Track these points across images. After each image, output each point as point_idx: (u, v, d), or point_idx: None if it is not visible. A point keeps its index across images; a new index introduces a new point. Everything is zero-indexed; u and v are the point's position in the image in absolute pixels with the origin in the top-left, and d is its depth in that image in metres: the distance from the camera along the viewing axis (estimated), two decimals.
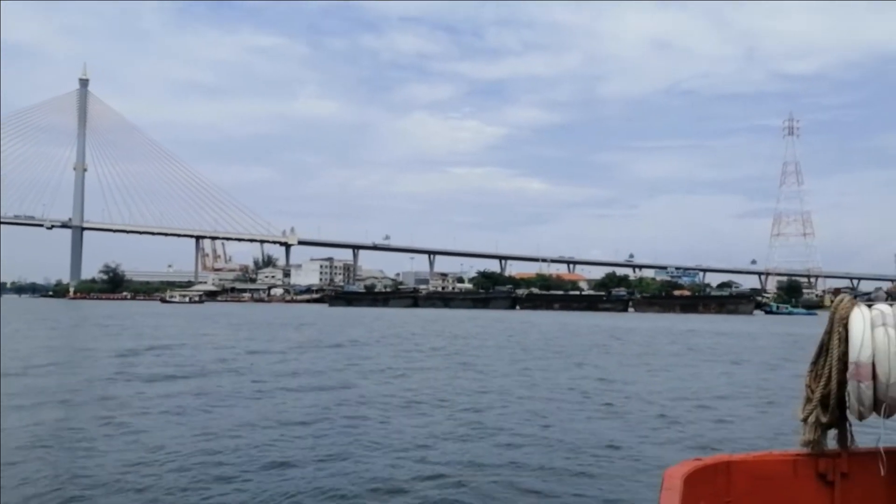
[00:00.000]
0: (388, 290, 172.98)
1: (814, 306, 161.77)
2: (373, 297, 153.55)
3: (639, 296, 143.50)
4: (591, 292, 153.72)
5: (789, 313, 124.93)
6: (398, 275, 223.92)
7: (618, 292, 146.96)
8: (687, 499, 2.91)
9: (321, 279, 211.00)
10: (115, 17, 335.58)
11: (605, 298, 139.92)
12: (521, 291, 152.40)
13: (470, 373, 21.24)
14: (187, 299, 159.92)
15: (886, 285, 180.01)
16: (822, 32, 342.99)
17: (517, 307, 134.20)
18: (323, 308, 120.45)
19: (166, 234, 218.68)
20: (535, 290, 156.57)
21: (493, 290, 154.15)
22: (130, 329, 44.16)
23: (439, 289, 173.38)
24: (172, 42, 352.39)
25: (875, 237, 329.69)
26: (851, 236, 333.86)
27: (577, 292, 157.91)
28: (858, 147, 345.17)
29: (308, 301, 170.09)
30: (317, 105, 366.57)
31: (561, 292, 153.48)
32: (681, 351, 32.72)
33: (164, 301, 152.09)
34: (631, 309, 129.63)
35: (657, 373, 22.35)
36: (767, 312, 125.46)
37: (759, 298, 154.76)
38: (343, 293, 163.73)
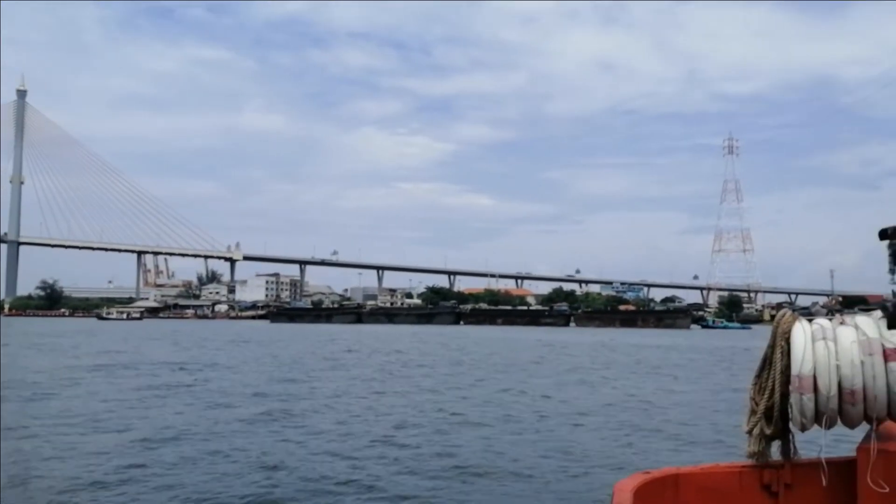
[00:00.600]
0: (336, 305, 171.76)
1: (753, 321, 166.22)
2: (316, 313, 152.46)
3: (580, 311, 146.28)
4: (535, 307, 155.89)
5: (724, 327, 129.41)
6: (346, 290, 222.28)
7: (560, 307, 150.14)
8: None
9: (267, 295, 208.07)
10: (55, 28, 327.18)
11: (547, 313, 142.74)
12: (466, 307, 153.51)
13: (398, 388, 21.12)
14: (125, 316, 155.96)
15: (822, 300, 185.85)
16: (760, 55, 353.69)
17: (461, 322, 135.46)
18: (263, 325, 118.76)
19: (107, 249, 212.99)
20: (482, 306, 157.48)
21: (437, 306, 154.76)
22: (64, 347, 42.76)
23: (388, 304, 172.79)
24: (114, 54, 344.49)
25: (811, 253, 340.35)
26: (788, 252, 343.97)
27: (525, 307, 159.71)
28: (795, 166, 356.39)
29: (253, 317, 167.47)
30: (263, 119, 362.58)
31: (506, 307, 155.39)
32: (611, 364, 33.45)
33: (100, 318, 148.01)
34: (572, 324, 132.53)
35: (589, 386, 22.62)
36: (704, 327, 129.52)
37: (699, 313, 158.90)
38: (285, 309, 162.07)
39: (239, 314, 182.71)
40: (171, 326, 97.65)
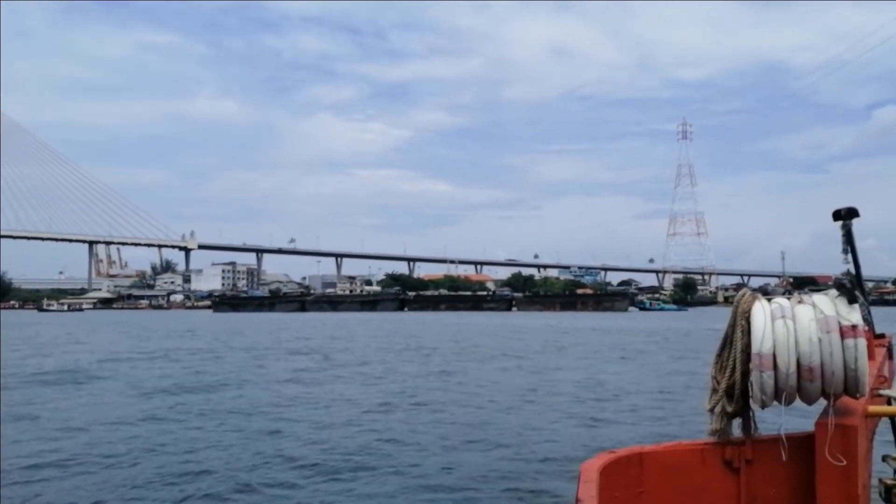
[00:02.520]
0: (293, 293, 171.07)
1: (708, 302, 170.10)
2: (258, 301, 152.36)
3: (521, 295, 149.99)
4: (478, 293, 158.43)
5: (661, 309, 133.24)
6: (304, 278, 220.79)
7: (502, 292, 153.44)
8: (603, 490, 2.97)
9: (224, 284, 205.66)
10: None
11: (489, 298, 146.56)
12: (411, 294, 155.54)
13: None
14: (66, 307, 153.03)
15: (774, 281, 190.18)
16: (711, 42, 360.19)
17: (405, 309, 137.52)
18: (207, 314, 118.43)
19: (57, 240, 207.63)
20: (443, 292, 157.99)
21: (381, 293, 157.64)
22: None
23: (347, 292, 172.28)
24: (60, 39, 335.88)
25: (763, 236, 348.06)
26: (741, 235, 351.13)
27: (484, 292, 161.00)
28: (746, 150, 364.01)
29: (207, 307, 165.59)
30: (215, 105, 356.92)
31: (451, 293, 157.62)
32: (566, 347, 34.06)
33: (41, 310, 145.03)
34: (514, 308, 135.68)
35: (514, 369, 22.89)
36: (641, 309, 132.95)
37: (655, 296, 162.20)
38: (227, 298, 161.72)
39: (195, 304, 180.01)
40: (114, 318, 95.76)
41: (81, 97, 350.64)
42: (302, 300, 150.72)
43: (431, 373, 21.79)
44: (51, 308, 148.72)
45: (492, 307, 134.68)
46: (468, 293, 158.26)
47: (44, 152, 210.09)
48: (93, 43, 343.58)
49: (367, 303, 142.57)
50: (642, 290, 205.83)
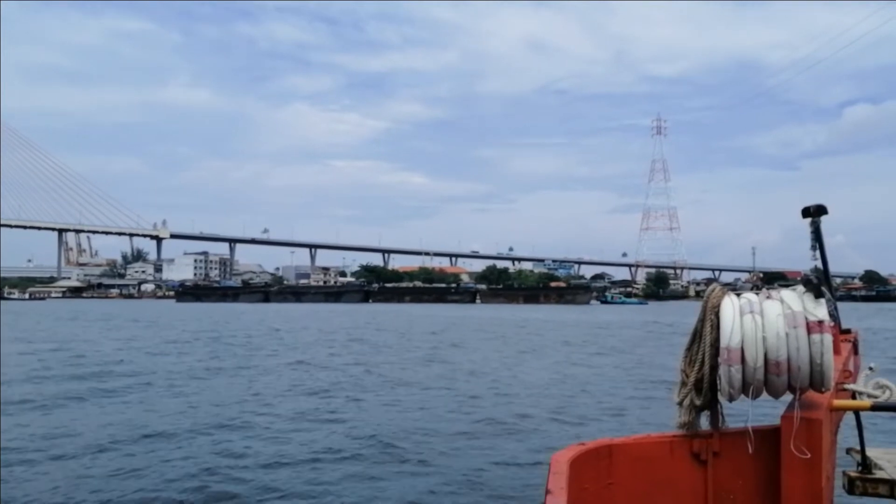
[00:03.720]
0: (257, 284, 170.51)
1: (679, 296, 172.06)
2: (222, 292, 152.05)
3: (485, 287, 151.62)
4: (441, 285, 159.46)
5: (622, 303, 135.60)
6: (278, 269, 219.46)
7: (466, 284, 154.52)
8: (573, 482, 2.99)
9: (196, 274, 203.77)
10: None
11: (453, 290, 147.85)
12: (374, 287, 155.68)
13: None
14: (27, 296, 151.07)
15: (745, 276, 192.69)
16: (686, 38, 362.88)
17: (370, 300, 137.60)
18: (169, 304, 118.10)
19: (25, 227, 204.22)
20: (418, 284, 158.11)
21: (346, 285, 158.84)
22: None
23: (321, 283, 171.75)
24: (30, 25, 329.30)
25: (734, 231, 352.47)
26: (713, 230, 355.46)
27: (457, 285, 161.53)
28: (718, 146, 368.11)
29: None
30: (188, 94, 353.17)
31: (414, 285, 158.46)
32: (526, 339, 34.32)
33: (1, 298, 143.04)
34: (478, 300, 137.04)
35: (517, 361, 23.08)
36: (603, 302, 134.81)
37: (628, 289, 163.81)
38: (190, 288, 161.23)
39: (166, 293, 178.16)
40: (75, 307, 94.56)
41: (52, 84, 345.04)
42: (266, 291, 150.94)
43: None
44: (11, 297, 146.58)
45: (456, 299, 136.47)
46: (432, 285, 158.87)
47: (12, 139, 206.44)
48: (64, 30, 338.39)
49: (332, 294, 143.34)
50: (615, 283, 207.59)
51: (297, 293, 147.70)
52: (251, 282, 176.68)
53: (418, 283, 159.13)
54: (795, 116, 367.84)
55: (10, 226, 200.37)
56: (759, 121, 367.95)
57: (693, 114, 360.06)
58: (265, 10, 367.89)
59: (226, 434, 11.01)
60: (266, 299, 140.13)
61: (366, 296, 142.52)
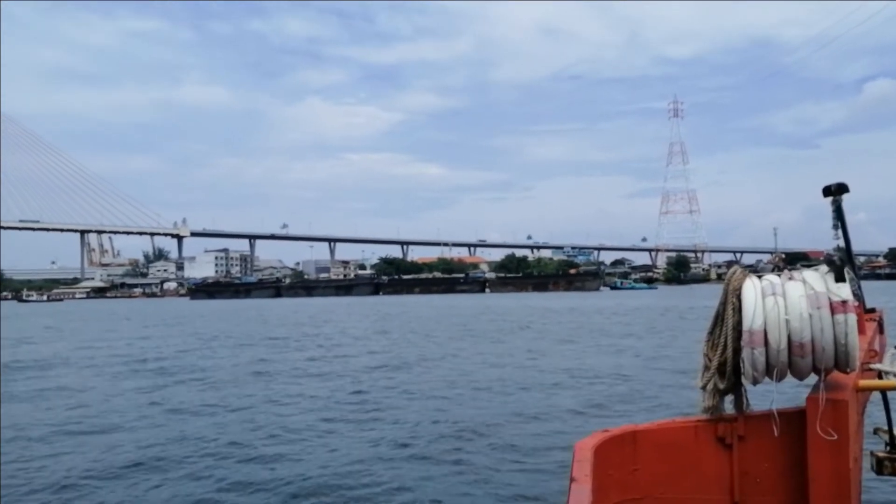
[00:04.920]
0: (278, 280, 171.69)
1: (701, 280, 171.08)
2: (235, 288, 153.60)
3: (494, 277, 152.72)
4: (449, 276, 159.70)
5: (631, 288, 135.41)
6: (298, 264, 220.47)
7: (475, 274, 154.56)
8: (597, 469, 3.00)
9: (217, 271, 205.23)
10: None
11: (462, 280, 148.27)
12: (383, 278, 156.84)
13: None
14: (46, 297, 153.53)
15: (766, 257, 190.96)
16: (699, 18, 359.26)
17: (380, 293, 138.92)
18: (184, 302, 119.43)
19: (48, 230, 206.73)
20: (437, 275, 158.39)
21: (356, 278, 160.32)
22: None
23: (341, 276, 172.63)
24: (45, 27, 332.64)
25: (754, 212, 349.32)
26: (733, 212, 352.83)
27: (466, 275, 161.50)
28: (736, 127, 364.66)
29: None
30: (203, 91, 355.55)
31: (423, 276, 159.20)
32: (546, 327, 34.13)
33: (20, 300, 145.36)
34: (487, 289, 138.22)
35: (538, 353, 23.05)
36: (612, 288, 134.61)
37: (648, 274, 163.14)
38: (203, 286, 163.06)
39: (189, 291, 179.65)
40: (93, 307, 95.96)
41: (68, 86, 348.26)
42: (277, 286, 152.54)
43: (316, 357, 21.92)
44: (30, 299, 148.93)
45: (465, 289, 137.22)
46: (441, 276, 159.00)
47: (32, 142, 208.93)
48: (78, 31, 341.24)
49: (343, 287, 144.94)
50: (635, 268, 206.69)
51: (308, 287, 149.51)
52: (271, 277, 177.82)
53: (437, 274, 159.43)
54: (813, 94, 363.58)
55: (33, 228, 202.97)
56: (776, 99, 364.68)
57: (709, 94, 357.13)
58: (276, 6, 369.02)
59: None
60: (278, 294, 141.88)
61: (376, 288, 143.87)
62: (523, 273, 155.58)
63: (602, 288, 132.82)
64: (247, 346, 27.32)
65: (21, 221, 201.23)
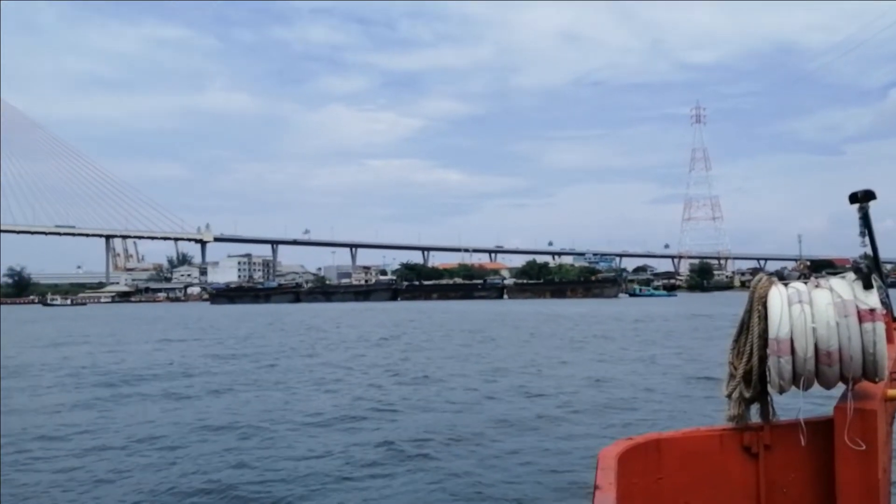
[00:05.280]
0: (297, 285, 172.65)
1: (724, 287, 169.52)
2: (255, 293, 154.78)
3: (512, 283, 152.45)
4: (467, 282, 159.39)
5: (650, 295, 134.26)
6: (320, 269, 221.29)
7: (492, 281, 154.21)
8: (621, 477, 2.98)
9: (240, 276, 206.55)
10: (8, 10, 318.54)
11: (480, 287, 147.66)
12: (439, 282, 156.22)
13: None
14: (69, 301, 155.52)
15: (791, 264, 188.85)
16: (722, 23, 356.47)
17: (398, 298, 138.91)
18: (204, 306, 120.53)
19: (74, 234, 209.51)
20: (457, 281, 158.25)
21: (375, 283, 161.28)
22: None
23: (363, 282, 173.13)
24: (71, 35, 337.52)
25: (778, 219, 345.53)
26: (757, 219, 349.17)
27: (484, 281, 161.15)
28: (759, 133, 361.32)
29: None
30: (227, 98, 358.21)
31: (443, 282, 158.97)
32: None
33: (45, 304, 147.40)
34: (505, 296, 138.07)
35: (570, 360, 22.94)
36: (631, 295, 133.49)
37: (670, 281, 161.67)
38: (224, 290, 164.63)
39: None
40: (115, 311, 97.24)
41: (94, 93, 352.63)
42: (297, 291, 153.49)
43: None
44: (55, 303, 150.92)
45: (483, 295, 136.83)
46: (459, 282, 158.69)
47: (59, 148, 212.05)
48: (104, 39, 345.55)
49: (361, 293, 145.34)
50: (658, 275, 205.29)
51: (327, 293, 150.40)
52: (291, 283, 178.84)
53: (458, 280, 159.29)
54: (838, 100, 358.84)
55: (59, 233, 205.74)
56: (800, 105, 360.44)
57: (732, 101, 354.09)
58: (299, 13, 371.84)
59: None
60: (297, 299, 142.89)
61: (394, 294, 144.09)
62: (544, 279, 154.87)
63: (621, 295, 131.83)
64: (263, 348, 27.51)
65: (57, 226, 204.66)
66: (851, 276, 3.30)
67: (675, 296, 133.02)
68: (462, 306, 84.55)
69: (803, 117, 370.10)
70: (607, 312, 57.85)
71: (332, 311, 77.47)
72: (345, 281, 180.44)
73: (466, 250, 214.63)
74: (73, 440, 10.89)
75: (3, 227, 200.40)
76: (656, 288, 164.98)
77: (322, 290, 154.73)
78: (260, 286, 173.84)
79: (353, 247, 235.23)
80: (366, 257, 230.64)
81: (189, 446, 10.33)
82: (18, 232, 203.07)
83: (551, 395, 14.58)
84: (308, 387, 16.60)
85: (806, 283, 3.39)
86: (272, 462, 9.26)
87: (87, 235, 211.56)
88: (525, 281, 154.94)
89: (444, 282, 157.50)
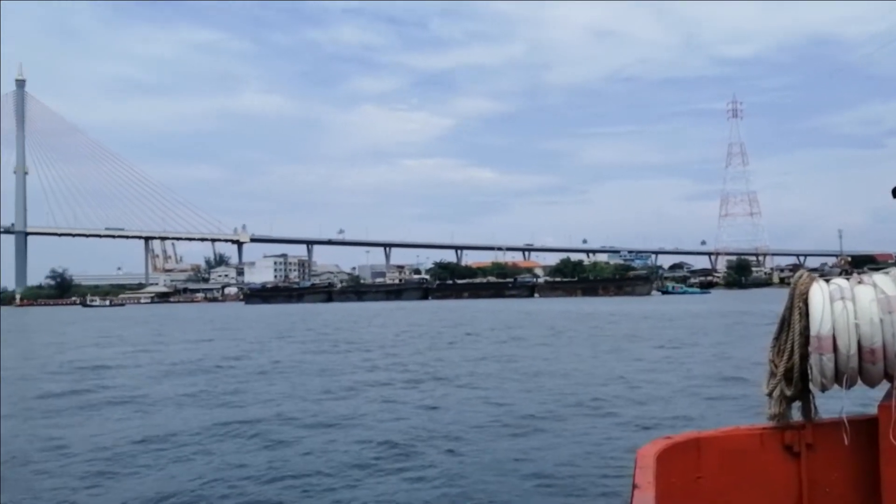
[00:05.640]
0: (330, 284, 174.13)
1: (763, 284, 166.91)
2: (287, 293, 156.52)
3: (542, 281, 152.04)
4: (497, 280, 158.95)
5: (683, 292, 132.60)
6: (354, 269, 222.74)
7: (523, 279, 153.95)
8: (660, 476, 2.95)
9: (276, 276, 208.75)
10: (46, 16, 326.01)
11: (511, 285, 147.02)
12: (476, 280, 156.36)
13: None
14: (108, 302, 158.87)
15: (831, 260, 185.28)
16: (757, 17, 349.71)
17: (429, 297, 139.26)
18: (239, 306, 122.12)
19: (114, 236, 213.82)
20: (491, 279, 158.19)
21: (405, 282, 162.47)
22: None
23: (396, 281, 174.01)
24: (108, 40, 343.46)
25: (818, 214, 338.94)
26: (795, 215, 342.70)
27: (514, 280, 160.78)
28: (798, 128, 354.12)
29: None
30: (261, 100, 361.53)
31: (475, 280, 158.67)
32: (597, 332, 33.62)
33: (84, 305, 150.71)
34: (536, 294, 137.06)
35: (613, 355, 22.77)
36: (663, 293, 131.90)
37: (708, 278, 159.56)
38: (258, 290, 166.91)
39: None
40: (151, 312, 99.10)
41: (131, 97, 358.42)
42: (329, 291, 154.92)
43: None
44: (94, 304, 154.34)
45: (513, 294, 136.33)
46: (490, 281, 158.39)
47: (98, 151, 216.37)
48: (140, 43, 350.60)
49: (392, 292, 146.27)
50: (694, 272, 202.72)
51: (359, 292, 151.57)
52: (323, 282, 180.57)
53: (491, 279, 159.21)
54: (879, 92, 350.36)
55: (100, 235, 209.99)
56: (839, 99, 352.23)
57: (769, 95, 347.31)
58: (331, 14, 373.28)
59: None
60: (329, 299, 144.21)
61: (425, 293, 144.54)
62: (578, 277, 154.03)
63: (653, 292, 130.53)
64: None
65: (108, 229, 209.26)
66: (895, 271, 3.24)
67: (709, 293, 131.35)
68: (491, 305, 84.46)
69: (843, 110, 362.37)
70: (637, 310, 57.33)
71: (362, 310, 77.97)
72: (379, 280, 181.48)
73: (500, 249, 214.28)
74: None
75: (45, 230, 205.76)
76: (692, 285, 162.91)
77: (354, 290, 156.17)
78: (295, 286, 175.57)
79: (386, 246, 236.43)
80: (400, 257, 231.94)
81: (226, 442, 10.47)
82: (60, 234, 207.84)
83: (580, 393, 14.49)
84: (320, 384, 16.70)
85: (848, 279, 3.34)
86: (298, 460, 9.35)
87: (127, 237, 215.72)
88: (556, 279, 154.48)
89: (475, 280, 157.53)
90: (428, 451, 9.71)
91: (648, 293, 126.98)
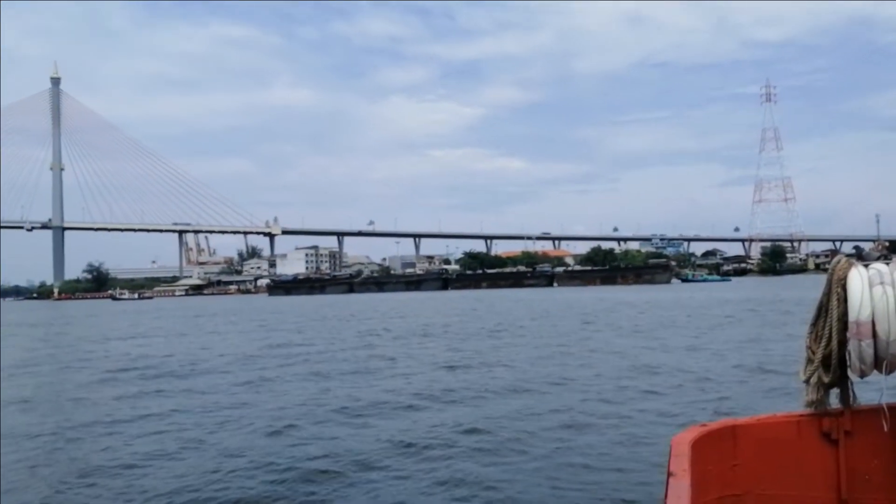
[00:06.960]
0: (375, 275, 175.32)
1: (798, 270, 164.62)
2: (310, 284, 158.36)
3: (561, 270, 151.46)
4: (515, 270, 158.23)
5: (703, 280, 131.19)
6: (384, 259, 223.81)
7: (542, 268, 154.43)
8: (696, 464, 2.95)
9: (307, 268, 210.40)
10: (82, 15, 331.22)
11: (529, 275, 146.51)
12: (509, 269, 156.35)
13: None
14: (136, 296, 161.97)
15: (868, 245, 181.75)
16: None
17: (448, 287, 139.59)
18: (263, 297, 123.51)
19: (148, 230, 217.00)
20: (520, 269, 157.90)
21: (425, 273, 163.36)
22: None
23: (424, 272, 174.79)
24: (142, 37, 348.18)
25: (854, 199, 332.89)
26: (831, 199, 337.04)
27: (533, 269, 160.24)
28: (832, 111, 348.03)
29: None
30: (291, 94, 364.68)
31: (495, 270, 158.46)
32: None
33: (114, 299, 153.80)
34: (555, 283, 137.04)
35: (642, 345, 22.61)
36: (683, 280, 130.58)
37: (741, 265, 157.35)
38: (280, 282, 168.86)
39: None
40: (175, 304, 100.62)
41: (165, 93, 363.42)
42: (350, 282, 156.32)
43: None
44: (122, 297, 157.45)
45: (532, 283, 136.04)
46: (508, 270, 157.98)
47: (133, 147, 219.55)
48: (173, 40, 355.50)
49: (412, 283, 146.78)
50: (728, 259, 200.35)
51: (380, 283, 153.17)
52: (345, 273, 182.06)
53: (521, 268, 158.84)
54: None
55: (135, 230, 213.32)
56: (877, 81, 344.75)
57: (803, 78, 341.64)
58: (360, 8, 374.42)
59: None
60: (350, 290, 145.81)
61: (444, 283, 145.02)
62: (609, 266, 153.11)
63: (673, 281, 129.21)
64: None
65: (143, 224, 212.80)
66: None
67: (730, 280, 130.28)
68: (510, 294, 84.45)
69: (880, 93, 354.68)
70: (654, 299, 56.71)
71: (380, 300, 78.39)
72: (409, 270, 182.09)
73: (529, 238, 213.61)
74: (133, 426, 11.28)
75: (82, 225, 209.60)
76: (726, 273, 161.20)
77: (375, 281, 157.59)
78: (319, 278, 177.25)
79: (416, 237, 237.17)
80: (429, 247, 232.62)
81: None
82: (96, 229, 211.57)
83: (603, 383, 14.41)
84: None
85: (888, 264, 3.29)
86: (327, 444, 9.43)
87: (161, 231, 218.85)
88: (575, 268, 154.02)
89: (494, 270, 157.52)
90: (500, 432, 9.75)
91: (668, 281, 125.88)
